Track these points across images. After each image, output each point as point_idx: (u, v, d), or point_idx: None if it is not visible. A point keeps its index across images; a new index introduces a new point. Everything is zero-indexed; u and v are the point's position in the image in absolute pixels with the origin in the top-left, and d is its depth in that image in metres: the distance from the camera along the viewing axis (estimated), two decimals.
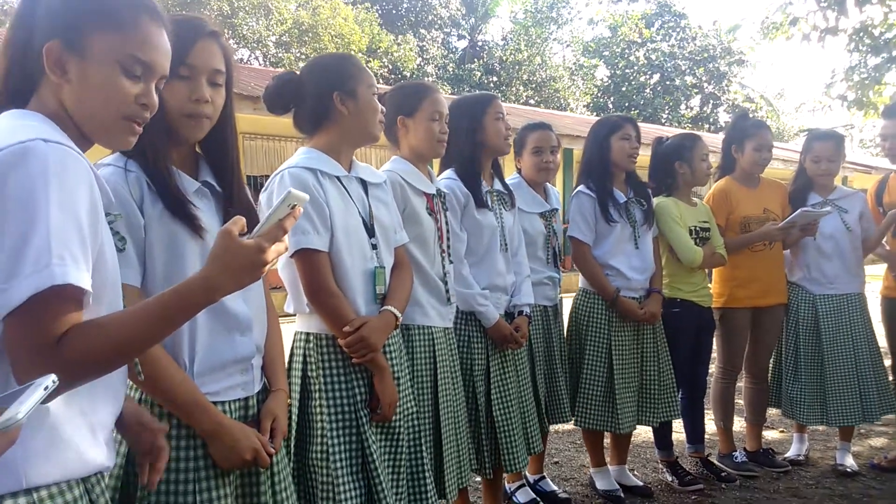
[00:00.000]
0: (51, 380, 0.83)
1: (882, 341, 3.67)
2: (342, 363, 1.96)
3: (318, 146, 2.02)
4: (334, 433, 1.91)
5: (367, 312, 1.97)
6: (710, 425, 3.79)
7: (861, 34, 7.37)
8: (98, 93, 1.11)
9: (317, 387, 1.94)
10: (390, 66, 21.20)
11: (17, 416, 0.77)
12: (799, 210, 3.39)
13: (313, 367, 1.96)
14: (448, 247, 2.42)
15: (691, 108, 27.60)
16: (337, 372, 1.95)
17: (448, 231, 2.43)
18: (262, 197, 1.96)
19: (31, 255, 0.97)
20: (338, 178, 1.99)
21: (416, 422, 2.12)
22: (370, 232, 2.01)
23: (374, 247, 2.01)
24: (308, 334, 1.99)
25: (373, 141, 2.07)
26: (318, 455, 1.91)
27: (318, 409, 1.92)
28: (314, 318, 1.97)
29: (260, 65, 18.58)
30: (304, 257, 1.89)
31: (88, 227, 1.03)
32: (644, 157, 3.26)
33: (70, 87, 1.11)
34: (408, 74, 21.22)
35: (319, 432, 1.91)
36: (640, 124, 3.33)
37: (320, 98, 1.99)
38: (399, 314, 2.02)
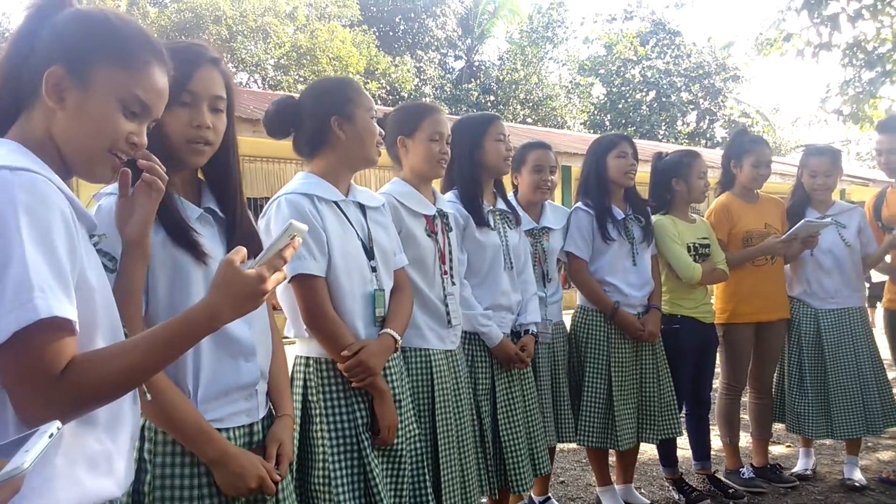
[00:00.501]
0: (55, 427, 0.82)
1: (886, 353, 3.66)
2: (342, 387, 1.95)
3: (316, 171, 2.02)
4: (335, 458, 1.89)
5: (366, 336, 1.97)
6: (716, 441, 3.76)
7: (854, 49, 7.42)
8: (92, 124, 1.11)
9: (317, 411, 1.92)
10: (388, 88, 21.33)
11: (22, 465, 0.75)
12: (801, 222, 3.40)
13: (314, 391, 1.94)
14: (451, 268, 2.41)
15: (688, 124, 27.70)
16: (337, 396, 1.94)
17: (450, 252, 2.42)
18: (261, 223, 1.96)
19: (10, 289, 0.95)
20: (335, 202, 1.99)
21: (418, 444, 2.11)
22: (369, 255, 2.01)
23: (374, 269, 2.01)
24: (308, 358, 1.98)
25: (370, 165, 2.07)
26: (320, 480, 1.89)
27: (318, 434, 1.91)
28: (313, 343, 1.96)
29: (259, 88, 18.70)
30: (302, 283, 1.89)
31: (66, 253, 1.02)
32: (643, 173, 3.26)
33: (64, 115, 1.11)
34: (406, 95, 21.35)
35: (321, 457, 1.89)
36: (637, 141, 3.35)
37: (318, 122, 1.99)
38: (398, 337, 2.02)
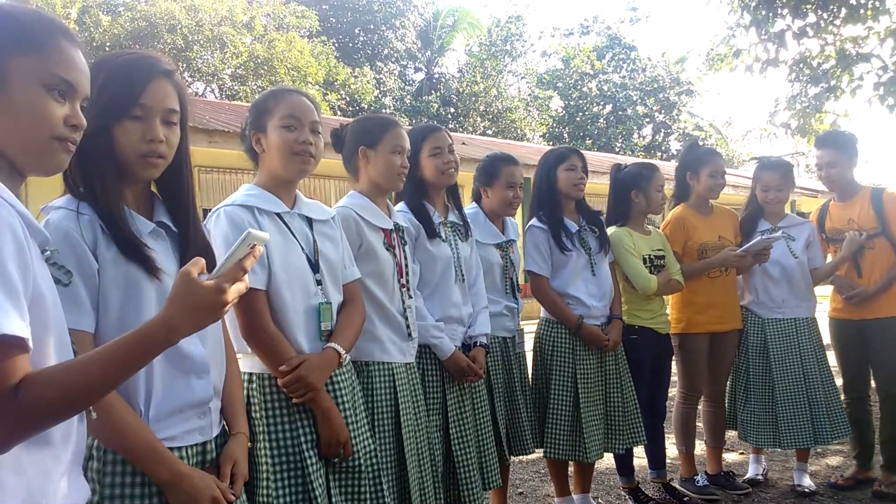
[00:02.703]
0: None
1: (833, 362, 3.77)
2: (285, 404, 1.91)
3: (259, 182, 2.01)
4: (278, 476, 1.86)
5: (310, 350, 1.93)
6: (671, 449, 3.82)
7: (800, 65, 7.68)
8: (26, 117, 1.08)
9: (260, 428, 1.88)
10: (348, 99, 21.28)
11: None
12: (756, 238, 3.49)
13: (256, 408, 1.90)
14: (408, 281, 2.40)
15: (644, 137, 28.25)
16: (280, 413, 1.90)
17: (406, 265, 2.41)
18: None
19: None
20: (278, 214, 1.96)
21: (375, 459, 2.07)
22: (314, 268, 1.97)
23: (319, 283, 1.98)
24: (251, 374, 1.93)
25: (299, 175, 1.98)
26: (264, 500, 1.84)
27: (261, 453, 1.86)
28: (256, 358, 1.91)
29: (215, 98, 18.46)
30: (240, 297, 1.84)
31: (17, 269, 0.99)
32: (601, 185, 3.30)
33: None
34: (365, 107, 21.32)
35: (264, 475, 1.84)
36: (595, 153, 3.41)
37: (247, 138, 2.02)
38: (343, 351, 1.97)
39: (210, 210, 1.98)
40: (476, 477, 2.63)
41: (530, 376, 3.25)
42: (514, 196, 3.05)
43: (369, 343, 2.23)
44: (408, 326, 2.35)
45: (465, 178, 3.78)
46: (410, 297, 2.41)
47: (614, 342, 3.18)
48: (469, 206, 3.11)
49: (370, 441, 2.08)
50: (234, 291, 1.14)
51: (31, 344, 0.99)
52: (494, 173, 3.06)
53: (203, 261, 1.15)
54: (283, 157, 1.95)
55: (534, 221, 3.25)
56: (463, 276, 2.75)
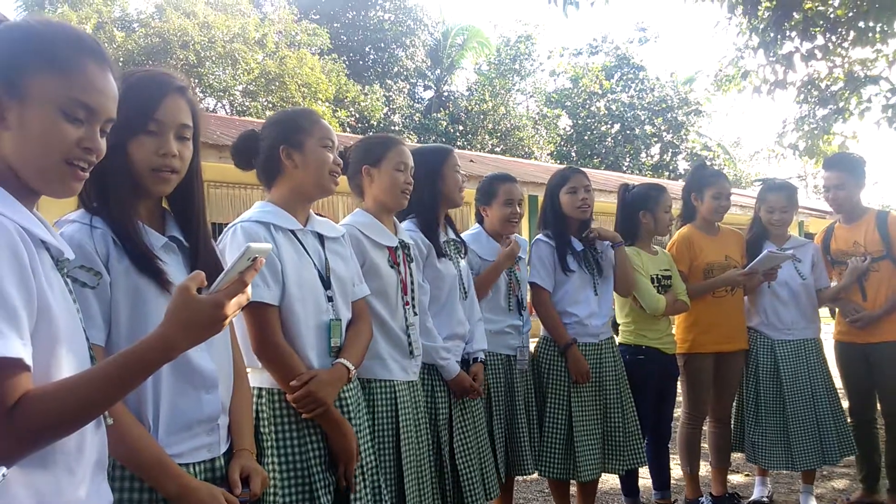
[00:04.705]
0: (1, 473, 0.81)
1: (839, 383, 3.75)
2: (295, 419, 1.92)
3: (273, 200, 2.03)
4: (285, 490, 1.86)
5: (320, 366, 1.95)
6: (676, 470, 3.80)
7: (809, 87, 7.69)
8: (37, 138, 1.06)
9: (269, 443, 1.89)
10: (357, 116, 21.41)
11: None
12: (764, 252, 3.48)
13: (265, 423, 1.90)
14: (413, 298, 2.42)
15: (651, 157, 28.26)
16: (289, 428, 1.91)
17: (412, 283, 2.43)
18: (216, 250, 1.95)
19: None
20: (292, 231, 1.99)
21: (375, 477, 2.08)
22: (326, 284, 1.99)
23: (330, 299, 2.00)
24: (260, 389, 1.94)
25: (325, 194, 2.06)
26: None
27: (269, 468, 1.86)
28: (265, 373, 1.93)
29: (226, 114, 18.61)
30: (253, 311, 1.86)
31: (17, 288, 0.99)
32: (609, 203, 3.31)
33: (9, 135, 1.07)
34: (375, 124, 21.44)
35: (272, 490, 1.85)
36: (602, 172, 3.43)
37: (269, 151, 2.02)
38: (352, 367, 1.99)
39: (220, 224, 2.01)
40: (479, 489, 2.65)
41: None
42: (511, 212, 3.08)
43: (371, 360, 2.23)
44: (410, 344, 2.36)
45: (472, 196, 3.82)
46: (415, 314, 2.42)
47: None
48: (472, 227, 3.14)
49: (372, 458, 2.09)
50: (234, 305, 1.13)
51: (28, 362, 0.99)
52: (492, 192, 3.11)
53: (202, 274, 1.15)
54: (321, 175, 2.00)
55: (540, 236, 3.28)
56: (466, 292, 2.78)
